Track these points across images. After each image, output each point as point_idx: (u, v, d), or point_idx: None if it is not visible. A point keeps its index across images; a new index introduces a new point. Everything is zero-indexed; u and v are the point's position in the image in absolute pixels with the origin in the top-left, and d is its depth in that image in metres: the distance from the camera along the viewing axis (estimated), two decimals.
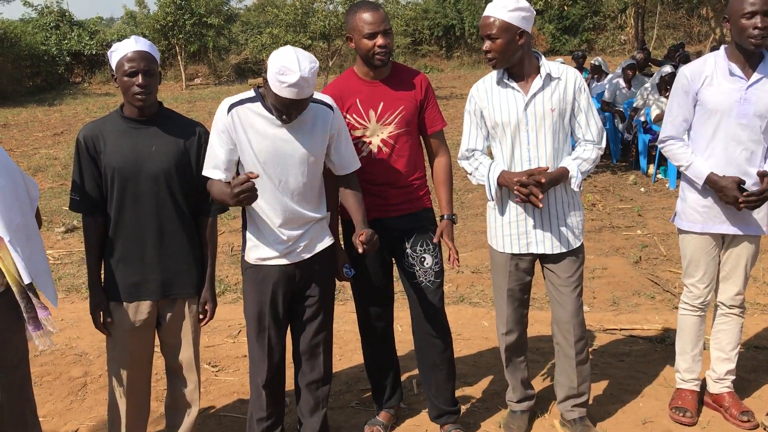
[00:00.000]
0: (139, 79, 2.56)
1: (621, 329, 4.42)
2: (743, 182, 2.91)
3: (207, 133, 2.76)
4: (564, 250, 2.96)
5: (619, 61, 10.63)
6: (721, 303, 3.22)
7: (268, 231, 2.72)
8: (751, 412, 3.17)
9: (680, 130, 3.06)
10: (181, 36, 22.41)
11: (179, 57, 23.05)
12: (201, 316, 2.89)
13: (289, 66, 2.39)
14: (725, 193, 2.92)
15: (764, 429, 3.12)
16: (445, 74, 23.82)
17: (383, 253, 3.06)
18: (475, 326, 4.62)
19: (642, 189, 8.09)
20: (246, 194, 2.43)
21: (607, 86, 9.60)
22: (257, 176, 2.45)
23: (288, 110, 2.52)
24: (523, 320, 3.14)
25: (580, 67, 12.08)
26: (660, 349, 4.04)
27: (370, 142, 2.93)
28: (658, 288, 5.15)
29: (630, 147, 9.29)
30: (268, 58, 2.53)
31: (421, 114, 2.99)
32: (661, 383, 3.61)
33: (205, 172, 2.70)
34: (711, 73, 2.95)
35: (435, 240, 2.99)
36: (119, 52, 2.59)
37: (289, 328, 2.94)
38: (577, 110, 2.90)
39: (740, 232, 3.04)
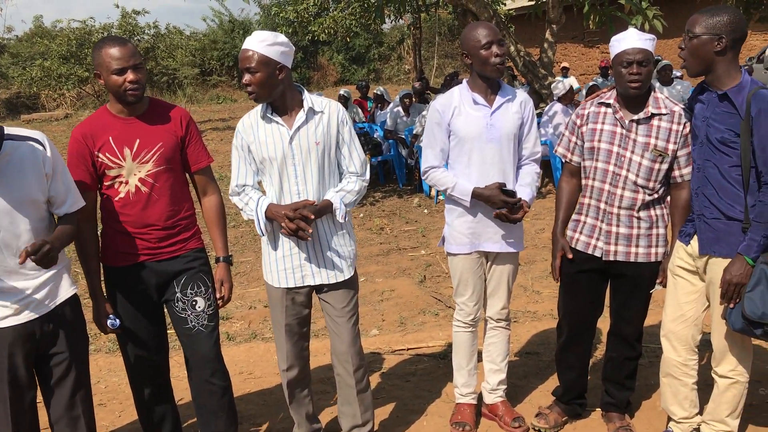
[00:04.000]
0: None
1: (408, 349, 4.56)
2: (504, 185, 3.13)
3: None
4: (339, 280, 2.98)
5: (406, 89, 11.24)
6: (490, 318, 3.42)
7: None
8: (522, 417, 3.39)
9: (439, 159, 3.23)
10: None
11: None
12: None
13: None
14: (492, 200, 3.10)
15: (534, 430, 3.35)
16: (239, 104, 23.57)
17: (152, 298, 2.88)
18: (267, 362, 4.52)
19: (425, 211, 8.51)
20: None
21: (388, 115, 10.03)
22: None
23: None
24: (304, 354, 3.11)
25: (365, 96, 12.53)
26: (443, 365, 4.22)
27: (127, 182, 2.75)
28: (441, 305, 5.40)
29: (414, 171, 9.77)
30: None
31: (184, 150, 2.88)
32: (444, 399, 3.76)
33: None
34: (458, 104, 3.15)
35: (219, 296, 2.91)
36: None
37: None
38: (341, 143, 2.95)
39: (502, 250, 3.26)
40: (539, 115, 9.33)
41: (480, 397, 3.54)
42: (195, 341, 2.89)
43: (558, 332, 3.38)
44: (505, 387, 3.47)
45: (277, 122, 2.85)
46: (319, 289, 3.01)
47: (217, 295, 2.93)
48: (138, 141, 2.75)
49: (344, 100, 11.05)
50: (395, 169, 10.02)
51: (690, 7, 10.36)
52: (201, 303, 2.88)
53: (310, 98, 2.91)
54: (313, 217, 2.77)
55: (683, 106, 2.96)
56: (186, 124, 2.87)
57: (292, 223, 2.75)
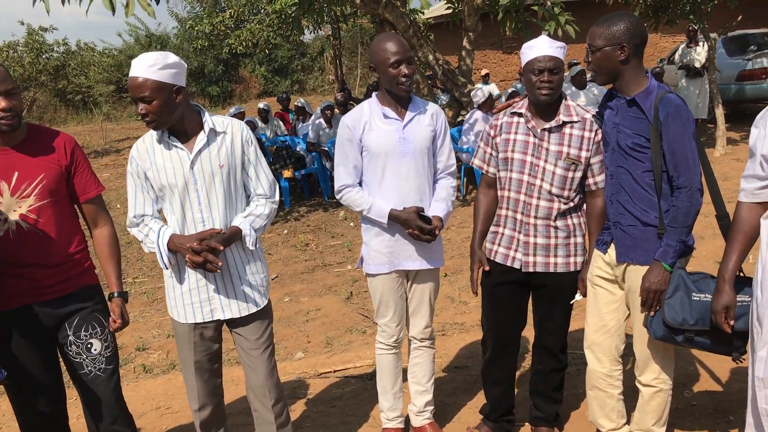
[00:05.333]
0: None
1: (335, 371, 4.40)
2: (422, 209, 3.02)
3: None
4: (252, 311, 2.81)
5: (331, 100, 11.12)
6: (413, 337, 3.30)
7: None
8: None
9: (353, 176, 3.11)
10: None
11: None
12: None
13: None
14: (408, 224, 3.00)
15: None
16: None
17: (43, 343, 2.63)
18: (186, 396, 4.25)
19: (351, 223, 8.37)
20: None
21: (310, 127, 9.87)
22: None
23: None
24: (217, 392, 2.92)
25: (286, 109, 12.33)
26: (370, 386, 4.08)
27: (6, 219, 2.50)
28: (368, 321, 5.27)
29: None
30: None
31: (70, 181, 2.64)
32: (371, 424, 3.62)
33: None
34: (369, 118, 3.03)
35: (112, 327, 2.66)
36: None
37: None
38: (247, 164, 2.79)
39: (422, 267, 3.15)
40: (460, 123, 9.34)
41: (407, 420, 3.42)
42: (93, 387, 2.65)
43: (483, 347, 3.29)
44: (432, 408, 3.36)
45: (176, 146, 2.67)
46: (231, 321, 2.83)
47: (110, 327, 2.69)
48: (16, 174, 2.51)
49: (264, 113, 10.82)
50: (320, 182, 9.86)
51: (602, 12, 10.61)
52: (97, 345, 2.65)
53: (210, 119, 2.74)
54: (221, 247, 2.60)
55: (595, 113, 2.92)
56: (71, 152, 2.63)
57: (198, 256, 2.57)
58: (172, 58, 2.58)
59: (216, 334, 2.83)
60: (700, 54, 11.17)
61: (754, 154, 2.29)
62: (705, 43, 10.81)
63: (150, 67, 2.52)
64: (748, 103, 11.85)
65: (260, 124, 10.66)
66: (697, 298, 2.54)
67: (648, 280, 2.61)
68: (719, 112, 10.07)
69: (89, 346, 2.63)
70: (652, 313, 2.63)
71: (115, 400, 2.69)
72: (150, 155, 2.69)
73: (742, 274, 2.49)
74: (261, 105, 11.01)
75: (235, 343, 2.89)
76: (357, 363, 4.48)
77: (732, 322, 2.39)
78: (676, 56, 11.98)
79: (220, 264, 2.60)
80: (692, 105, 11.09)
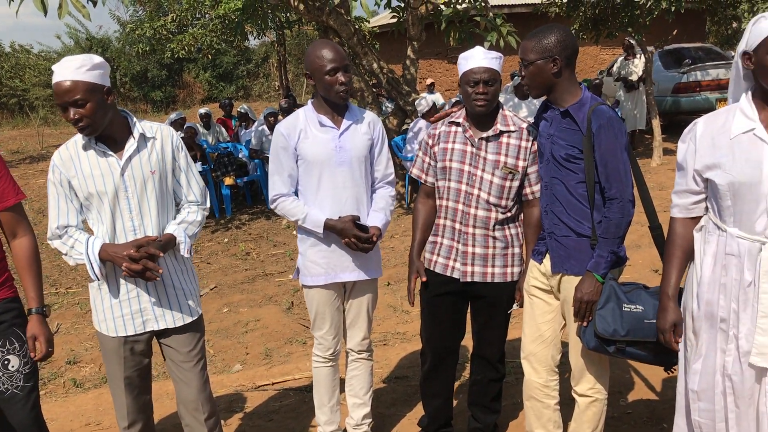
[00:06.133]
0: None
1: (273, 383, 4.32)
2: (358, 218, 2.98)
3: None
4: (186, 321, 2.73)
5: (275, 107, 11.00)
6: (351, 349, 3.25)
7: None
8: None
9: (288, 185, 3.05)
10: None
11: None
12: None
13: None
14: (345, 234, 2.95)
15: None
16: None
17: None
18: None
19: (294, 232, 8.26)
20: None
21: (253, 134, 9.74)
22: None
23: None
24: (147, 408, 2.81)
25: (229, 115, 12.15)
26: (309, 398, 3.97)
27: None
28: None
29: None
30: None
31: None
32: None
33: None
34: (304, 126, 2.98)
35: (34, 354, 2.52)
36: None
37: None
38: (177, 170, 2.71)
39: (360, 278, 3.10)
40: (405, 131, 9.35)
41: None
42: (9, 406, 2.49)
43: (422, 359, 3.26)
44: (370, 421, 3.31)
45: (105, 152, 2.56)
46: (161, 333, 2.73)
47: (31, 354, 2.56)
48: None
49: (206, 119, 10.64)
50: (262, 190, 9.73)
51: (543, 23, 10.75)
52: (15, 362, 2.50)
53: (140, 124, 2.65)
54: (161, 254, 2.53)
55: (530, 123, 2.94)
56: None
57: (137, 265, 2.48)
58: (97, 58, 2.50)
59: (147, 347, 2.73)
60: (637, 66, 11.46)
61: (684, 168, 2.31)
62: (642, 55, 11.09)
63: (78, 69, 2.42)
64: (683, 114, 12.22)
65: (202, 130, 10.47)
66: (628, 309, 2.55)
67: (580, 290, 2.62)
68: (656, 123, 10.34)
69: (6, 362, 2.49)
70: (584, 324, 2.64)
71: (33, 419, 2.54)
72: (75, 162, 2.58)
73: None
74: (202, 110, 10.83)
75: (165, 357, 2.79)
76: (296, 375, 4.40)
77: (680, 339, 2.35)
78: (614, 68, 12.27)
79: (160, 271, 2.53)
80: (630, 116, 11.36)
